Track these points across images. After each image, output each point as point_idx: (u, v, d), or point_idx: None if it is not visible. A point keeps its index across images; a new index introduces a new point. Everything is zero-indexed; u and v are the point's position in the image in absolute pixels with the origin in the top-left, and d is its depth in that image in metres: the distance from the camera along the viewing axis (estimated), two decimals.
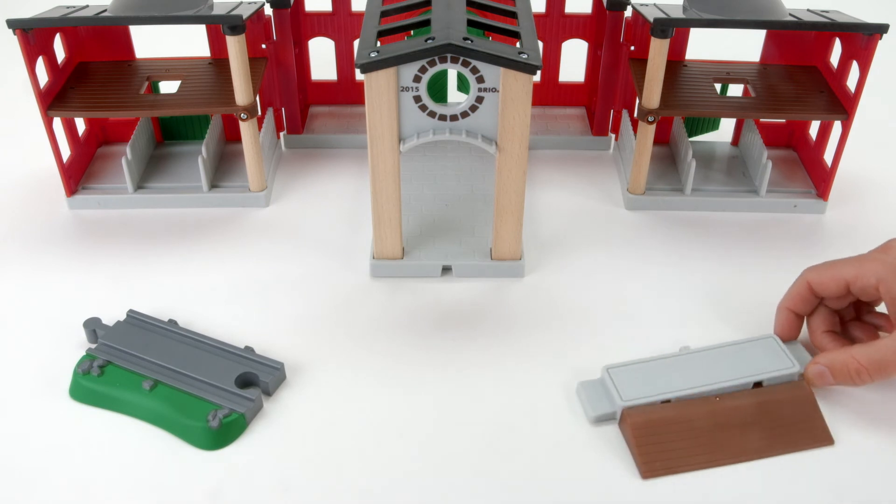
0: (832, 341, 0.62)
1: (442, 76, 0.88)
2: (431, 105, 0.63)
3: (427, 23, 0.64)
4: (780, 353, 0.62)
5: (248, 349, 0.63)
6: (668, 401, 0.59)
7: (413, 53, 0.60)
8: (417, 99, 0.63)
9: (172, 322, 0.66)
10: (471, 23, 0.64)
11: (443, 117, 0.64)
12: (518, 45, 0.63)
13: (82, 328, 0.65)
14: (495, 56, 0.60)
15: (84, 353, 0.63)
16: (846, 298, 0.62)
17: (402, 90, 0.62)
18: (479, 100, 0.63)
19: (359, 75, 0.62)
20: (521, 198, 0.68)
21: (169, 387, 0.60)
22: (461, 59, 0.61)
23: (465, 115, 0.64)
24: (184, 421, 0.58)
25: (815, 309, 0.64)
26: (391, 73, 0.61)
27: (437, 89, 0.87)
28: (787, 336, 0.65)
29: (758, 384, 0.61)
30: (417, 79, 0.62)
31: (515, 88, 0.62)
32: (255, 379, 0.61)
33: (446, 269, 0.73)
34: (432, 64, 0.61)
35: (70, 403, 0.61)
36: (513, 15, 0.68)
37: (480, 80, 0.62)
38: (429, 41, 0.60)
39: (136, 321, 0.65)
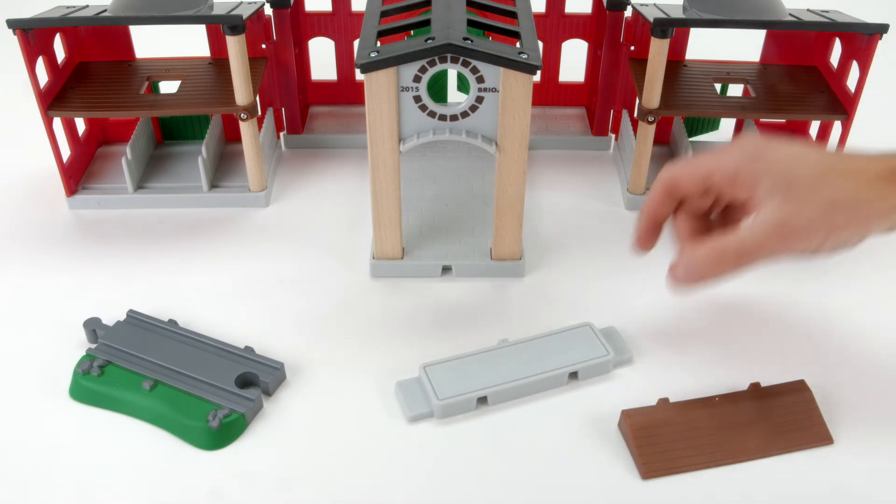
0: (698, 244, 0.59)
1: (442, 76, 0.88)
2: (431, 105, 0.63)
3: (427, 23, 0.64)
4: (595, 342, 0.63)
5: (248, 349, 0.63)
6: (483, 398, 0.60)
7: (413, 53, 0.60)
8: (417, 99, 0.63)
9: (172, 322, 0.66)
10: (471, 23, 0.64)
11: (443, 117, 0.64)
12: (518, 45, 0.63)
13: (82, 328, 0.65)
14: (495, 56, 0.60)
15: (84, 353, 0.63)
16: (708, 196, 0.59)
17: (402, 90, 0.62)
18: (479, 100, 0.63)
19: (359, 75, 0.62)
20: (521, 198, 0.68)
21: (169, 387, 0.60)
22: (461, 59, 0.61)
23: (465, 115, 0.64)
24: (184, 421, 0.58)
25: (678, 212, 0.61)
26: (391, 73, 0.61)
27: (438, 89, 0.87)
28: (647, 244, 0.62)
29: (573, 375, 0.62)
30: (417, 79, 0.62)
31: (515, 88, 0.62)
32: (255, 379, 0.61)
33: (446, 269, 0.73)
34: (432, 64, 0.61)
35: (70, 403, 0.61)
36: (513, 15, 0.68)
37: (480, 80, 0.62)
38: (429, 41, 0.60)
39: (136, 321, 0.65)
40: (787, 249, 0.55)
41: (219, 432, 0.57)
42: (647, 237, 0.62)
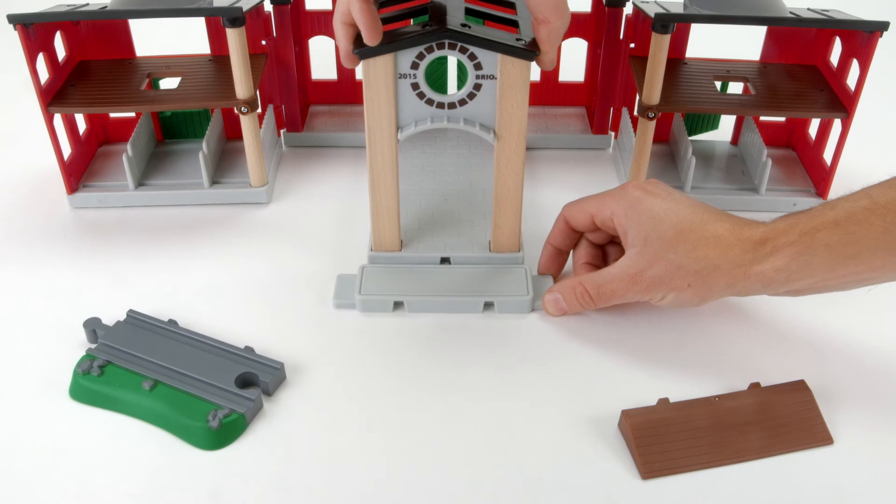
0: (587, 272, 0.67)
1: (442, 66, 0.88)
2: (429, 93, 0.63)
3: (425, 11, 0.64)
4: (521, 283, 0.69)
5: (248, 349, 0.63)
6: (399, 302, 0.68)
7: (410, 39, 0.60)
8: (415, 86, 0.63)
9: (172, 322, 0.66)
10: (469, 11, 0.64)
11: (441, 105, 0.64)
12: (517, 33, 0.63)
13: (82, 328, 0.65)
14: (493, 42, 0.60)
15: (84, 353, 0.63)
16: (600, 232, 0.68)
17: (399, 77, 0.62)
18: (477, 87, 0.63)
19: (358, 73, 0.62)
20: (519, 188, 0.67)
21: (169, 387, 0.60)
22: (459, 45, 0.60)
23: (462, 102, 0.64)
24: (184, 421, 0.58)
25: (578, 242, 0.70)
26: (389, 59, 0.61)
27: (437, 78, 0.87)
28: (547, 270, 0.71)
29: (489, 304, 0.68)
30: (415, 66, 0.61)
31: (513, 75, 0.61)
32: (255, 379, 0.61)
33: (444, 262, 0.73)
34: (430, 50, 0.61)
35: (70, 403, 0.61)
36: (511, 6, 0.68)
37: (478, 66, 0.62)
38: (426, 27, 0.60)
39: (136, 321, 0.65)
40: (639, 297, 0.63)
41: (219, 432, 0.57)
42: (549, 265, 0.71)
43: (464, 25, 0.60)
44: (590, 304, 0.65)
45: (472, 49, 0.61)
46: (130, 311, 0.66)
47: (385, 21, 0.66)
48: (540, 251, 0.73)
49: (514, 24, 0.65)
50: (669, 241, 0.60)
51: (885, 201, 0.54)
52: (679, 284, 0.60)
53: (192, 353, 0.62)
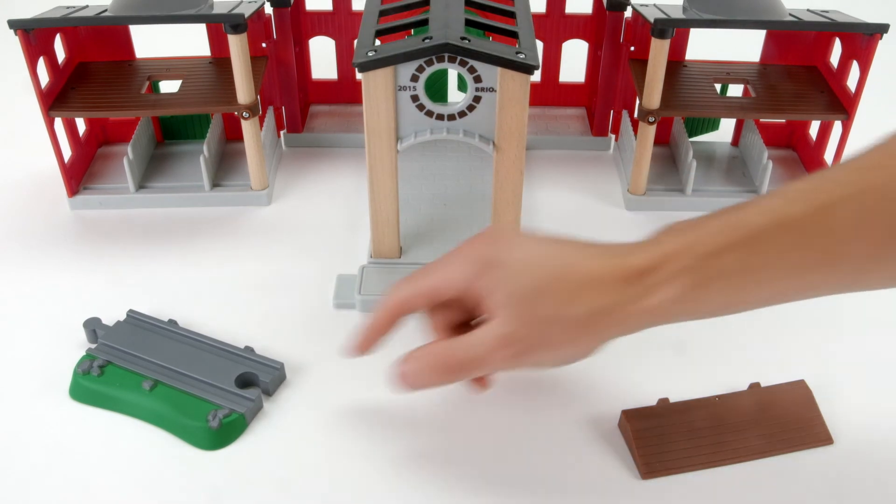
0: (447, 337, 0.54)
1: (442, 76, 0.88)
2: (429, 104, 0.63)
3: (426, 22, 0.64)
4: None
5: (248, 349, 0.63)
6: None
7: (410, 53, 0.60)
8: (415, 98, 0.63)
9: (172, 322, 0.66)
10: (469, 22, 0.64)
11: (440, 117, 0.64)
12: (516, 45, 0.63)
13: (82, 328, 0.65)
14: (492, 56, 0.60)
15: (84, 354, 0.63)
16: (448, 307, 0.54)
17: (399, 89, 0.62)
18: (477, 99, 0.63)
19: (358, 74, 0.62)
20: (518, 197, 0.68)
21: (169, 387, 0.60)
22: (458, 58, 0.61)
23: (462, 114, 0.64)
24: (184, 421, 0.58)
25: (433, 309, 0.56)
26: (389, 72, 0.61)
27: (438, 89, 0.87)
28: (363, 352, 0.57)
29: None
30: (415, 78, 0.62)
31: (513, 88, 0.62)
32: (254, 379, 0.61)
33: None
34: (430, 63, 0.61)
35: (70, 404, 0.61)
36: (511, 15, 0.68)
37: (478, 79, 0.62)
38: (426, 41, 0.60)
39: (136, 321, 0.65)
40: (513, 363, 0.51)
41: (219, 432, 0.57)
42: (366, 347, 0.57)
43: (463, 38, 0.60)
44: (450, 376, 0.52)
45: (472, 62, 0.61)
46: (130, 311, 0.66)
47: (386, 32, 0.66)
48: None
49: (513, 35, 0.65)
50: (537, 294, 0.49)
51: (790, 217, 0.46)
52: (559, 340, 0.50)
53: (192, 353, 0.62)
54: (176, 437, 0.58)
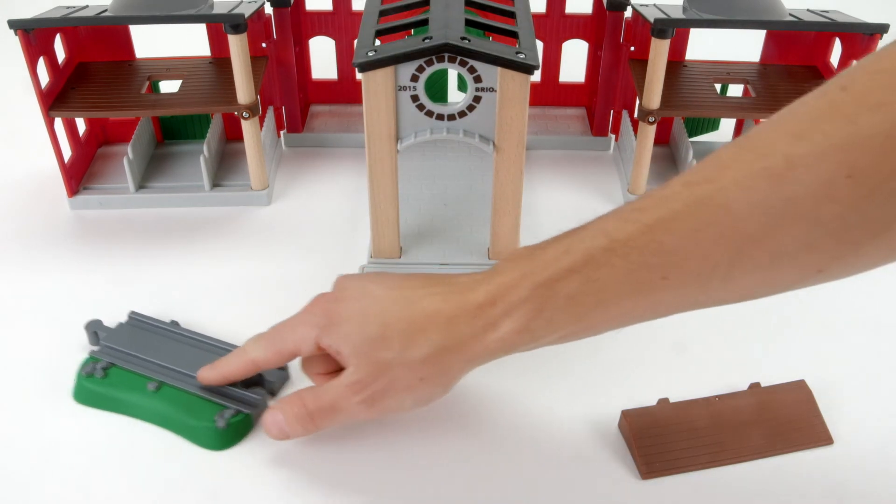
0: (323, 383, 0.55)
1: (442, 76, 0.88)
2: (429, 104, 0.63)
3: (426, 22, 0.64)
4: None
5: None
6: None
7: (410, 53, 0.60)
8: (415, 98, 0.63)
9: (174, 323, 0.66)
10: (469, 22, 0.64)
11: (440, 117, 0.64)
12: (516, 45, 0.63)
13: (83, 330, 0.65)
14: (492, 56, 0.60)
15: (87, 356, 0.63)
16: (315, 359, 0.56)
17: (399, 89, 0.62)
18: (477, 99, 0.63)
19: (358, 74, 0.62)
20: (518, 197, 0.68)
21: (174, 388, 0.60)
22: (458, 58, 0.61)
23: (462, 114, 0.64)
24: (190, 422, 0.58)
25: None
26: (389, 72, 0.61)
27: (438, 89, 0.87)
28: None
29: None
30: (415, 78, 0.62)
31: (513, 88, 0.62)
32: (259, 379, 0.61)
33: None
34: (430, 63, 0.61)
35: (72, 405, 0.61)
36: (511, 15, 0.68)
37: (478, 79, 0.62)
38: (426, 41, 0.60)
39: (137, 322, 0.65)
40: (370, 412, 0.53)
41: (226, 432, 0.57)
42: (213, 384, 0.59)
43: (463, 38, 0.60)
44: (309, 424, 0.54)
45: (472, 62, 0.61)
46: (132, 312, 0.66)
47: (386, 32, 0.66)
48: None
49: (513, 35, 0.65)
50: (378, 339, 0.51)
51: (624, 237, 0.46)
52: (409, 382, 0.51)
53: (196, 354, 0.62)
54: (177, 438, 0.58)
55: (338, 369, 0.54)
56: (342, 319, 0.52)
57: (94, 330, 0.65)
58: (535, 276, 0.48)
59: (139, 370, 0.61)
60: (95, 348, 0.64)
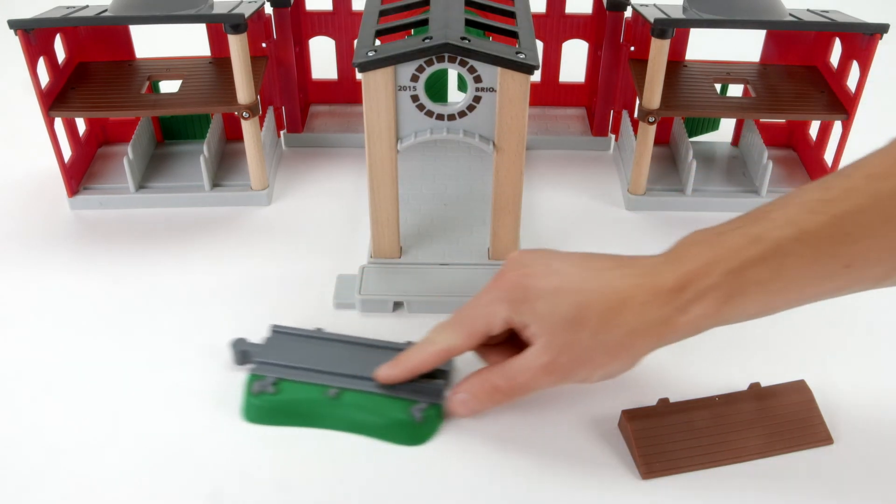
0: (495, 358, 0.58)
1: (443, 76, 0.88)
2: (429, 104, 0.63)
3: (426, 22, 0.64)
4: None
5: (410, 343, 0.62)
6: (399, 302, 0.68)
7: (410, 53, 0.60)
8: (415, 98, 0.63)
9: (319, 330, 0.64)
10: (469, 22, 0.64)
11: (440, 117, 0.64)
12: (516, 45, 0.63)
13: (230, 349, 0.63)
14: (492, 56, 0.60)
15: (248, 375, 0.61)
16: (495, 338, 0.58)
17: (399, 89, 0.62)
18: (477, 99, 0.63)
19: (358, 74, 0.62)
20: (518, 198, 0.68)
21: (354, 392, 0.59)
22: (458, 58, 0.61)
23: (462, 114, 0.64)
24: (387, 421, 0.57)
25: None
26: (389, 72, 0.61)
27: (438, 89, 0.87)
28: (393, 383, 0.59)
29: None
30: (415, 78, 0.62)
31: (513, 88, 0.62)
32: (434, 370, 0.60)
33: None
34: (430, 63, 0.61)
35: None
36: (511, 15, 0.68)
37: (478, 79, 0.62)
38: (426, 41, 0.60)
39: (284, 335, 0.64)
40: (558, 383, 0.55)
41: (425, 425, 0.57)
42: (400, 381, 0.59)
43: (463, 38, 0.60)
44: (503, 399, 0.56)
45: (472, 62, 0.61)
46: (274, 326, 0.64)
47: (386, 32, 0.66)
48: None
49: (513, 35, 0.65)
50: (574, 321, 0.52)
51: (814, 229, 0.48)
52: (601, 361, 0.53)
53: (358, 355, 0.61)
54: (367, 440, 0.58)
55: (504, 341, 0.57)
56: (535, 296, 0.53)
57: (242, 348, 0.62)
58: (726, 263, 0.50)
59: (311, 380, 0.60)
60: (251, 365, 0.62)
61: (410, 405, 0.58)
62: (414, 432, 0.57)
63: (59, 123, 0.78)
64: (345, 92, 0.96)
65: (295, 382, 0.59)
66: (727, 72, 0.84)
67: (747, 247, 0.50)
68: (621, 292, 0.52)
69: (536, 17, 0.86)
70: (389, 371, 0.59)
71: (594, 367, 0.54)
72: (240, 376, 0.62)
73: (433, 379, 0.60)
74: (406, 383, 0.59)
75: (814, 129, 0.86)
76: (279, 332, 0.64)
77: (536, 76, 0.90)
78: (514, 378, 0.55)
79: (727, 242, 0.51)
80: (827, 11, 0.78)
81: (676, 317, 0.51)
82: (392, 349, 0.62)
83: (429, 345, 0.58)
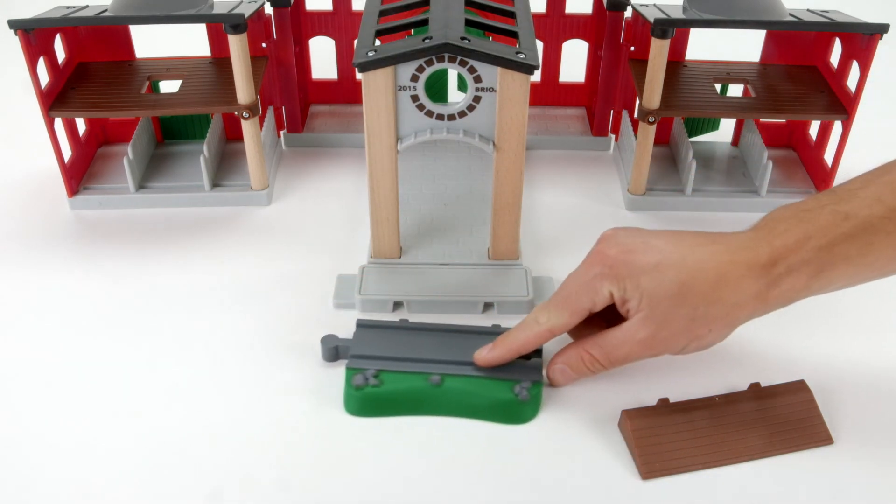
0: (588, 331, 0.61)
1: (443, 76, 0.88)
2: (429, 104, 0.63)
3: (426, 22, 0.64)
4: (521, 284, 0.69)
5: (497, 326, 0.64)
6: (399, 302, 0.68)
7: (410, 53, 0.60)
8: (415, 98, 0.63)
9: (404, 321, 0.65)
10: (469, 22, 0.64)
11: (440, 117, 0.64)
12: (516, 44, 0.63)
13: (320, 345, 0.63)
14: (492, 56, 0.60)
15: (346, 370, 0.61)
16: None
17: (399, 89, 0.62)
18: (477, 99, 0.63)
19: (358, 74, 0.62)
20: (518, 198, 0.68)
21: (455, 376, 0.60)
22: (458, 58, 0.61)
23: (462, 114, 0.64)
24: (494, 402, 0.58)
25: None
26: (389, 72, 0.61)
27: (438, 89, 0.87)
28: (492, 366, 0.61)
29: (489, 305, 0.68)
30: (415, 78, 0.62)
31: (513, 88, 0.62)
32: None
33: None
34: (430, 63, 0.61)
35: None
36: (511, 15, 0.68)
37: (478, 79, 0.62)
38: (426, 41, 0.60)
39: (371, 328, 0.64)
40: (654, 355, 0.58)
41: (531, 403, 0.58)
42: (501, 363, 0.61)
43: (463, 38, 0.60)
44: (600, 369, 0.59)
45: (472, 62, 0.61)
46: (360, 320, 0.65)
47: (386, 32, 0.66)
48: (539, 251, 0.73)
49: (513, 35, 0.65)
50: (675, 297, 0.55)
51: None
52: (699, 333, 0.56)
53: (451, 341, 0.63)
54: (467, 422, 0.59)
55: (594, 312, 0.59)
56: (639, 271, 0.55)
57: (334, 344, 0.63)
58: (817, 239, 0.53)
59: (411, 369, 0.60)
60: (347, 360, 0.62)
61: (513, 384, 0.59)
62: (521, 410, 0.59)
63: (59, 123, 0.78)
64: (345, 92, 0.96)
65: (396, 373, 0.60)
66: (727, 72, 0.84)
67: (838, 224, 0.53)
68: (720, 267, 0.55)
69: (536, 17, 0.86)
70: (491, 353, 0.60)
71: (690, 339, 0.56)
72: (240, 376, 0.62)
73: (528, 359, 0.61)
74: (504, 364, 0.60)
75: (814, 129, 0.86)
76: (365, 326, 0.64)
77: (536, 76, 0.90)
78: (613, 352, 0.58)
79: (818, 219, 0.54)
80: (827, 11, 0.78)
81: (768, 290, 0.54)
82: (484, 333, 0.63)
83: (533, 325, 0.59)
